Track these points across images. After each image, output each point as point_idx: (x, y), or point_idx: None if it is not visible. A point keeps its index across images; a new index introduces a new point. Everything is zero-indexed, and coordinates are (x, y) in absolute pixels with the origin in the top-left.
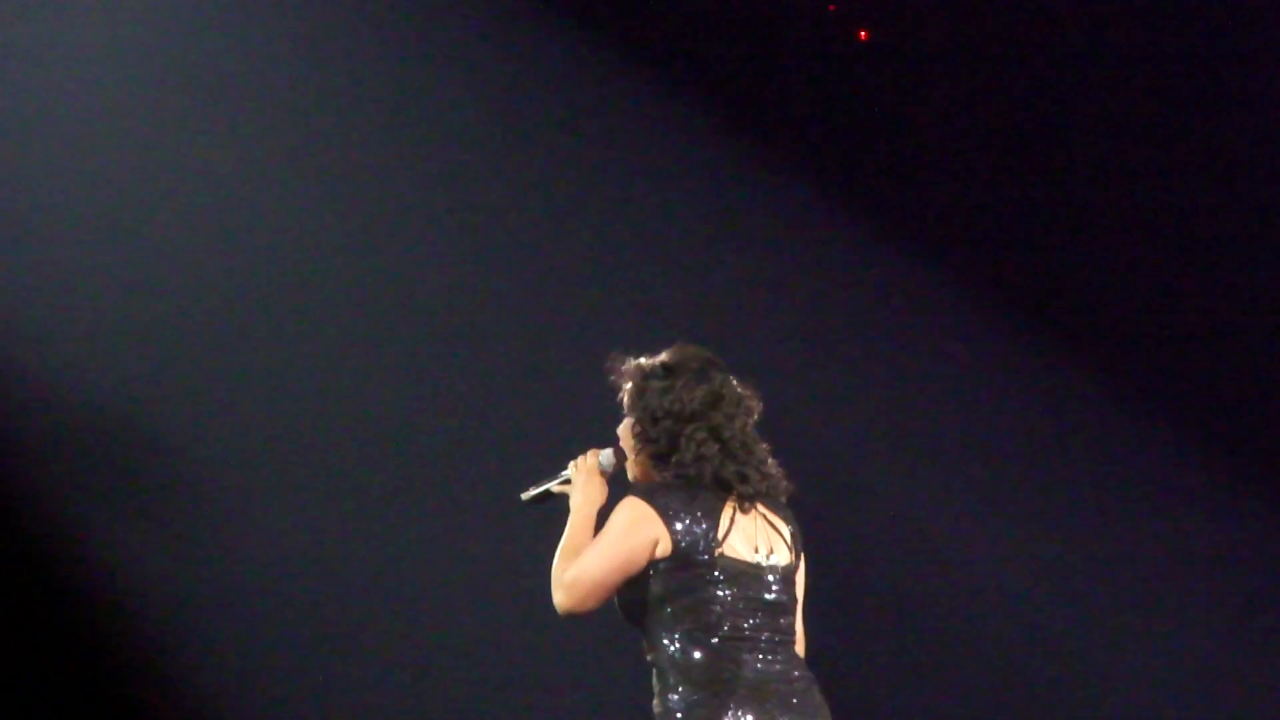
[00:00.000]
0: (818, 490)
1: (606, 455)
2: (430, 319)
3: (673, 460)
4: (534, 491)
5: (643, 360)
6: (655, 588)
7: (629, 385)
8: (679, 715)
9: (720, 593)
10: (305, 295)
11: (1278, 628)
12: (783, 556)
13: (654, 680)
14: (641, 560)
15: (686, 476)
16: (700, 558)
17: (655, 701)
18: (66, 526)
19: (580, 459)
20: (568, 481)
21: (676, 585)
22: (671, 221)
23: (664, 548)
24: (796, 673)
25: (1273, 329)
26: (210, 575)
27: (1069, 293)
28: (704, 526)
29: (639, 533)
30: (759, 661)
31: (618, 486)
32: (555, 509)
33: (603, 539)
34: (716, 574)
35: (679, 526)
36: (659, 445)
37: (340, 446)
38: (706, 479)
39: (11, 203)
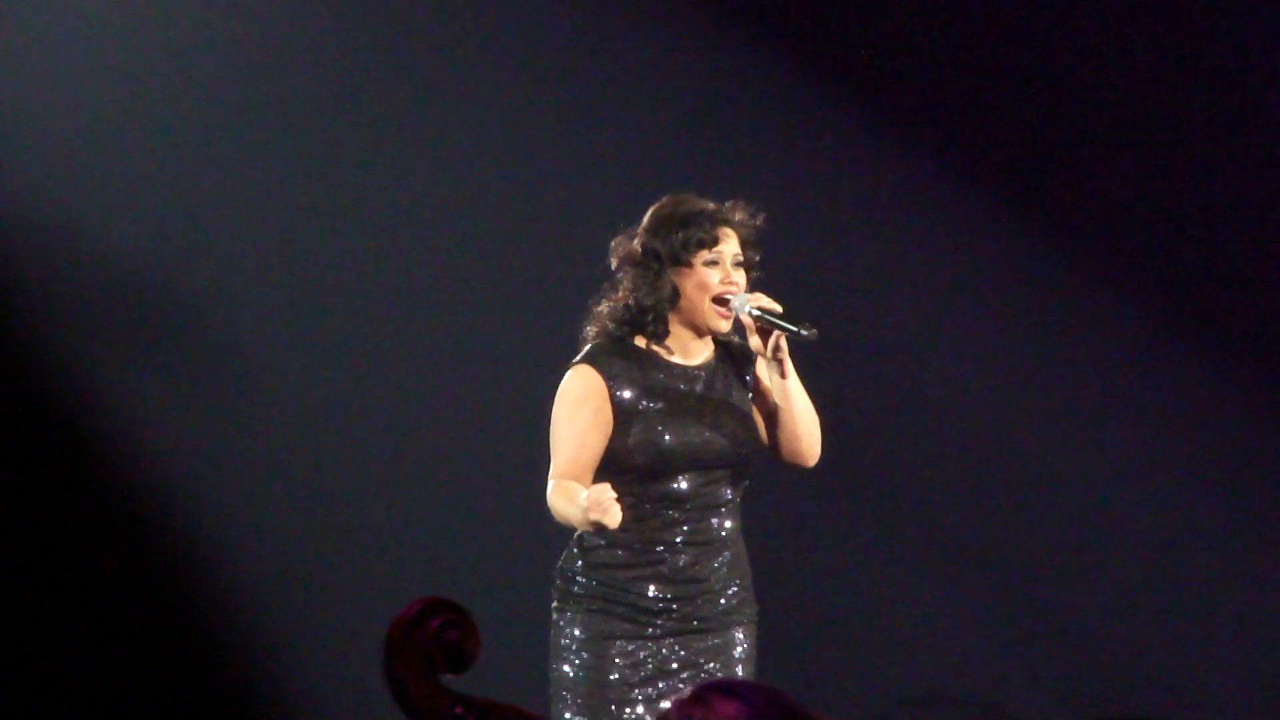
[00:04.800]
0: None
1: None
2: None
3: None
4: (776, 311)
5: None
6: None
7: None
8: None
9: None
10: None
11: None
12: None
13: (739, 544)
14: None
15: None
16: None
17: (745, 563)
18: (93, 382)
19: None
20: (792, 338)
21: None
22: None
23: None
24: None
25: None
26: (243, 439)
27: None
28: None
29: None
30: None
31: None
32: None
33: None
34: None
35: None
36: None
37: (389, 316)
38: None
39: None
